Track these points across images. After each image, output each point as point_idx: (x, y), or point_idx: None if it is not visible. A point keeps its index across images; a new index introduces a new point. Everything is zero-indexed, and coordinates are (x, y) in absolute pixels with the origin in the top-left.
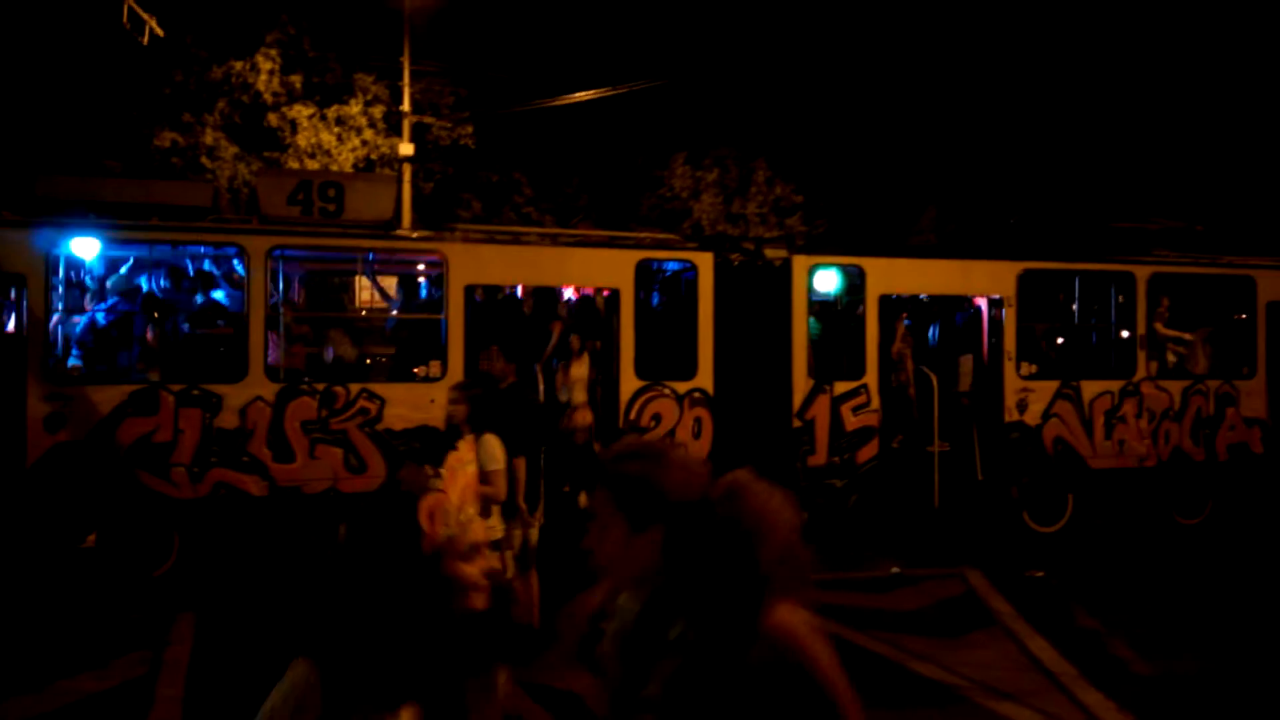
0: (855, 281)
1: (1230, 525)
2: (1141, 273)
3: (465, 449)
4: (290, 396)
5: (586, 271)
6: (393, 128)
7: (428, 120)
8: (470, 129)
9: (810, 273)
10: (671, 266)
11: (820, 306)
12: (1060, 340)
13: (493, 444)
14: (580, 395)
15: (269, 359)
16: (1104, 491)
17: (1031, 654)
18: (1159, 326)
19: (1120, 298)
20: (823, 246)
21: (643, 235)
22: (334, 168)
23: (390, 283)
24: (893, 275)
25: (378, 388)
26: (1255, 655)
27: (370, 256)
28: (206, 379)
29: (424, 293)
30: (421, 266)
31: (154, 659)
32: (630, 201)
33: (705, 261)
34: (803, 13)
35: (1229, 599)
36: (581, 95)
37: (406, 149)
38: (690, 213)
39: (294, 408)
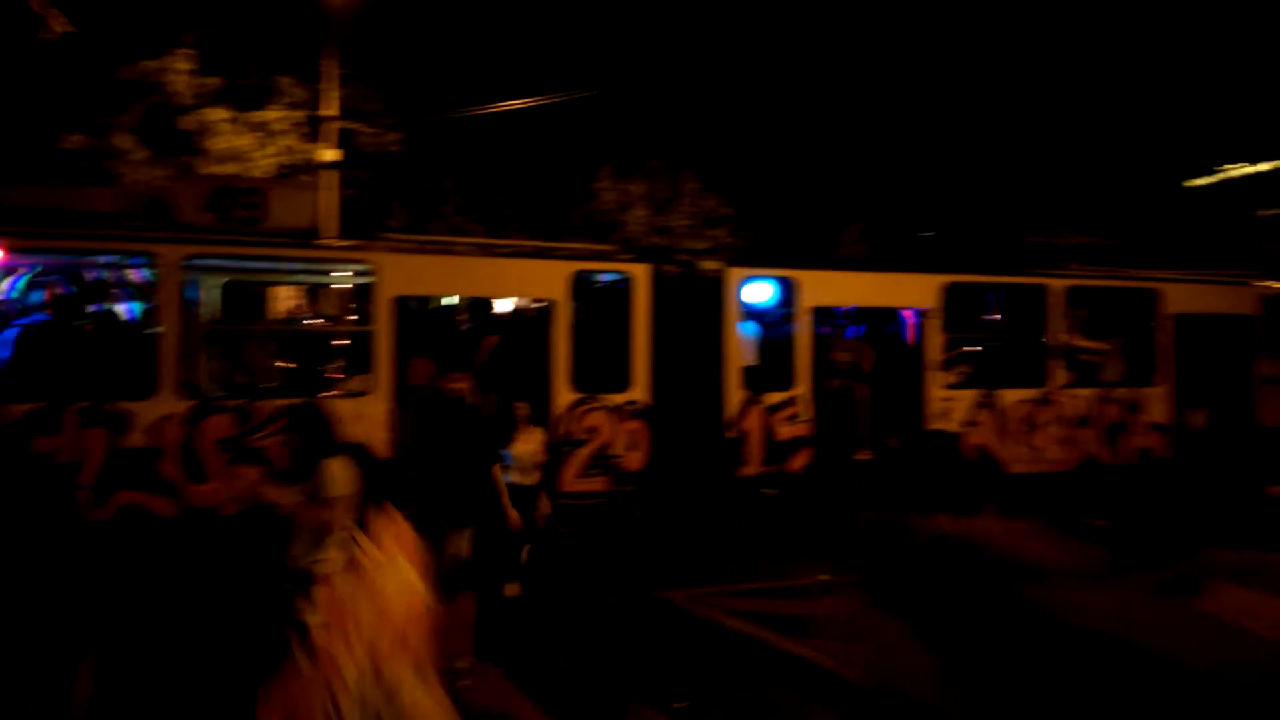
0: (787, 293)
1: (1136, 527)
2: (1055, 285)
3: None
4: (205, 413)
5: (521, 282)
6: (315, 133)
7: (352, 126)
8: (397, 135)
9: (743, 284)
10: (607, 278)
11: (753, 317)
12: (980, 350)
13: (334, 469)
14: (534, 477)
15: (182, 374)
16: (1021, 496)
17: None
18: (1071, 336)
19: (1035, 309)
20: (755, 258)
21: (578, 246)
22: (255, 173)
23: (315, 294)
24: (823, 287)
25: (299, 404)
26: None
27: (294, 266)
28: (113, 396)
29: (352, 304)
30: (349, 277)
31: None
32: (561, 212)
33: (641, 273)
34: (731, 28)
35: (1131, 596)
36: (511, 104)
37: (330, 154)
38: (621, 224)
39: (209, 425)
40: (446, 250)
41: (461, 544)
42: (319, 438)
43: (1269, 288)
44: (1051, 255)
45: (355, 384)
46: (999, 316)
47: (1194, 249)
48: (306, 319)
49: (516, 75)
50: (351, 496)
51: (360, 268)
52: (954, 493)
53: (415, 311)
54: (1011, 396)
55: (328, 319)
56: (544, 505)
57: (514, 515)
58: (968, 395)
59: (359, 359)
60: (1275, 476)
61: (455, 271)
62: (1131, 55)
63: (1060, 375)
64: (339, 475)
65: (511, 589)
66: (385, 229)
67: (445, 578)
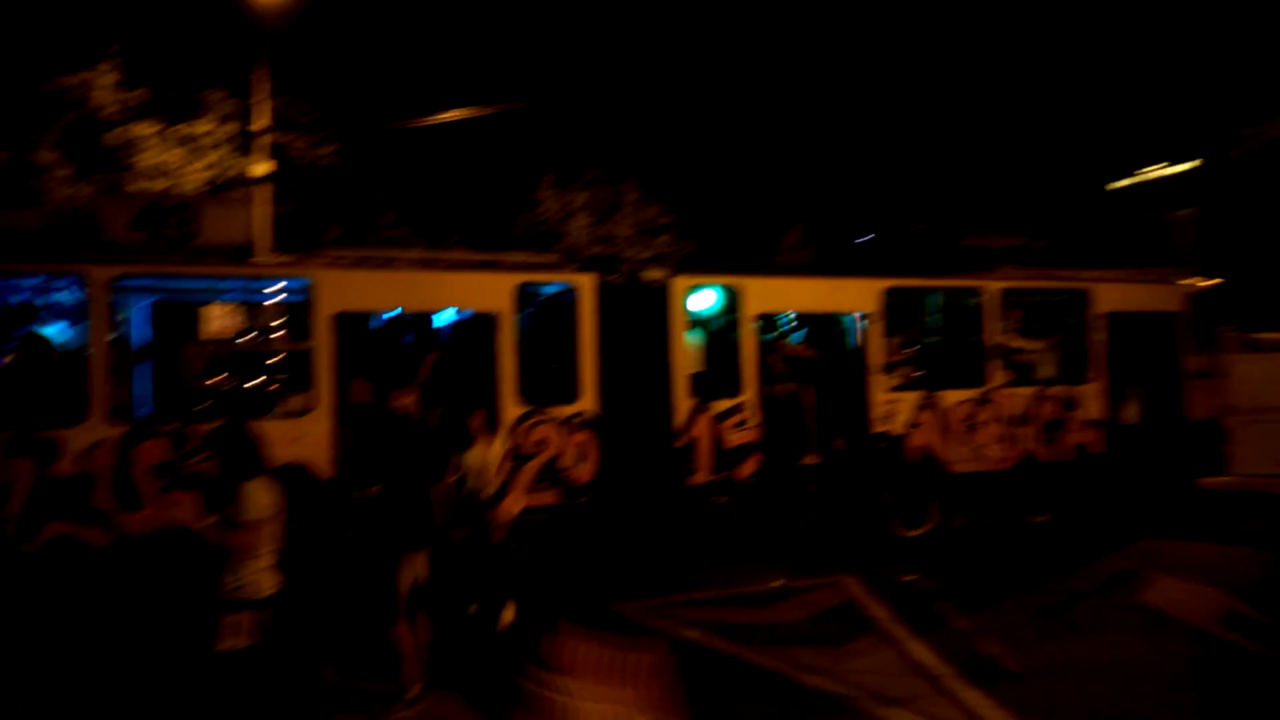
0: (732, 300)
1: (1075, 521)
2: (991, 287)
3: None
4: (138, 438)
5: (465, 295)
6: (246, 147)
7: (285, 138)
8: (331, 147)
9: (689, 293)
10: (552, 289)
11: (699, 325)
12: (922, 352)
13: (253, 492)
14: (496, 484)
15: (113, 398)
16: (964, 495)
17: (911, 658)
18: (1008, 337)
19: (972, 311)
20: (700, 267)
21: (522, 257)
22: (186, 189)
23: (252, 312)
24: (768, 294)
25: None
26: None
27: (227, 283)
28: (42, 423)
29: (290, 321)
30: (285, 294)
31: None
32: (503, 223)
33: (587, 283)
34: (668, 38)
35: (1077, 590)
36: (448, 115)
37: (262, 168)
38: (564, 235)
39: (142, 451)
40: (387, 264)
41: (418, 566)
42: (239, 459)
43: (1192, 286)
44: (986, 258)
45: (295, 403)
46: (938, 319)
47: (1117, 249)
48: (242, 338)
49: (455, 86)
50: (273, 520)
51: (297, 284)
52: (900, 494)
53: (357, 328)
54: (952, 397)
55: (265, 337)
56: (504, 513)
57: (462, 533)
58: (911, 397)
59: (298, 377)
60: (1204, 468)
61: (397, 286)
62: (1055, 62)
63: (998, 375)
64: (259, 498)
65: (474, 608)
66: (321, 244)
67: (402, 602)
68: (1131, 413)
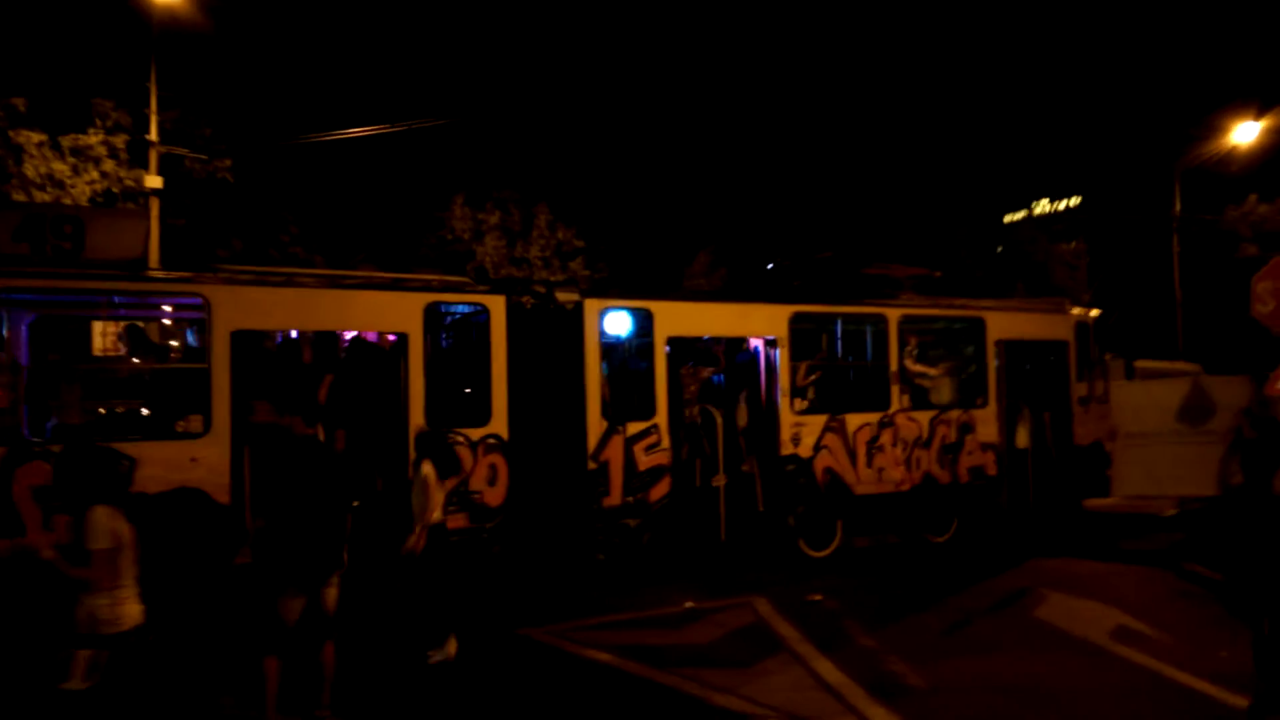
0: (644, 323)
1: (972, 541)
2: (893, 314)
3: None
4: (18, 460)
5: (371, 315)
6: (138, 159)
7: (179, 151)
8: (228, 162)
9: (601, 315)
10: (461, 309)
11: (611, 348)
12: (827, 376)
13: (97, 518)
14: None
15: None
16: (867, 516)
17: (819, 676)
18: (908, 362)
19: (876, 337)
20: (612, 289)
21: (431, 277)
22: (67, 200)
23: (144, 329)
24: (679, 317)
25: (127, 447)
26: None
27: (116, 299)
28: None
29: (184, 340)
30: (176, 311)
31: None
32: (411, 242)
33: (497, 304)
34: (578, 63)
35: (974, 607)
36: (353, 132)
37: (154, 181)
38: (473, 255)
39: (23, 473)
40: (289, 282)
41: (319, 596)
42: (85, 484)
43: (1080, 315)
44: (888, 285)
45: (189, 424)
46: (843, 344)
47: (1010, 279)
48: (134, 356)
49: (362, 102)
50: (125, 550)
51: (192, 301)
52: (807, 516)
53: (256, 347)
54: (856, 421)
55: (158, 356)
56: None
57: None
58: (817, 420)
59: (194, 398)
60: (1090, 490)
61: (299, 304)
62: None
63: (900, 399)
64: (103, 525)
65: (452, 647)
66: (219, 259)
67: (281, 635)
68: (1023, 437)
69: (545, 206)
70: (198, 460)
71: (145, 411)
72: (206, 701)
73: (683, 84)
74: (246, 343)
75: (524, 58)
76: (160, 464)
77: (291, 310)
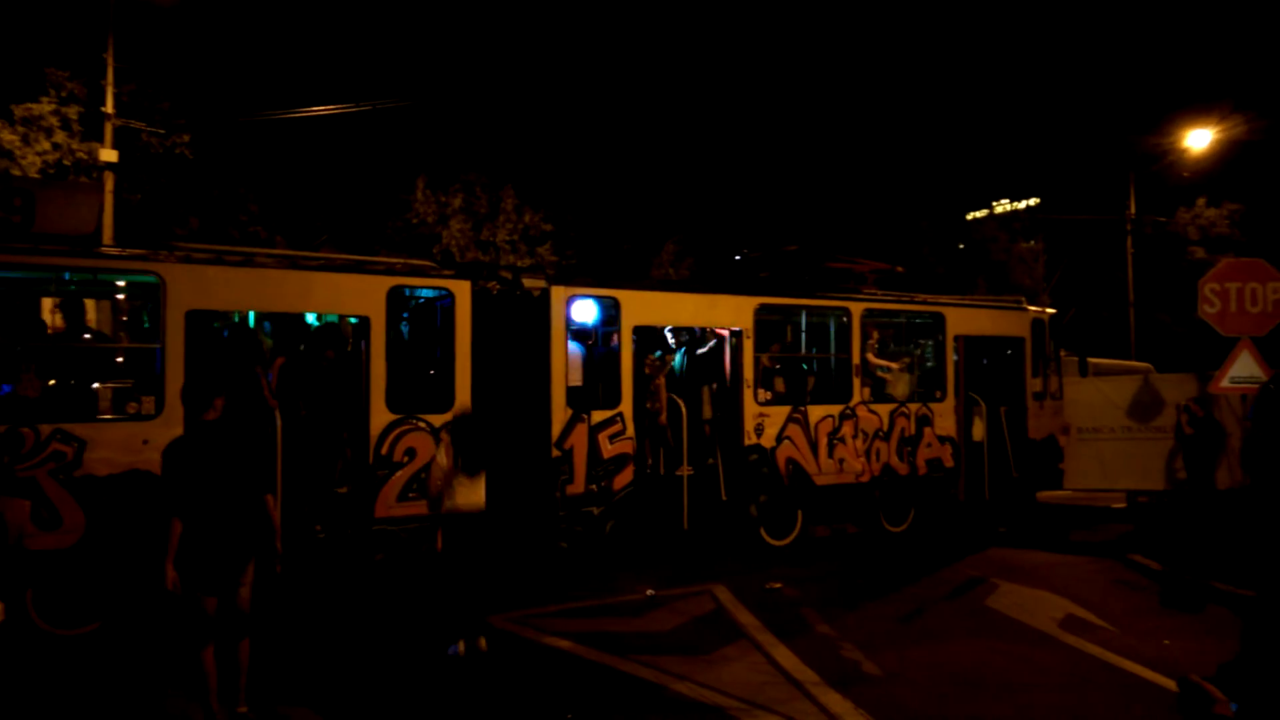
0: (611, 312)
1: (929, 531)
2: (856, 308)
3: None
4: None
5: (332, 298)
6: (92, 132)
7: (136, 125)
8: (187, 138)
9: (568, 303)
10: (426, 294)
11: (577, 336)
12: (791, 368)
13: None
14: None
15: None
16: (828, 506)
17: (777, 664)
18: (870, 356)
19: (839, 330)
20: (579, 277)
21: (395, 260)
22: (16, 172)
23: (96, 307)
24: (646, 307)
25: (76, 428)
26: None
27: (67, 276)
28: None
29: (137, 319)
30: (134, 288)
31: None
32: (375, 225)
33: (462, 290)
34: (549, 48)
35: (930, 596)
36: (316, 110)
37: (109, 155)
38: (439, 238)
39: None
40: (247, 262)
41: (242, 593)
42: None
43: (1039, 313)
44: (852, 279)
45: (142, 406)
46: (807, 336)
47: (968, 277)
48: (86, 335)
49: (324, 81)
50: None
51: (148, 279)
52: (769, 506)
53: (212, 327)
54: (818, 412)
55: (111, 334)
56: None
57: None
58: (780, 411)
59: (147, 378)
60: (1043, 483)
61: (258, 285)
62: (922, 98)
63: (861, 392)
64: None
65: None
66: (175, 236)
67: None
68: (980, 430)
69: (511, 190)
70: (150, 442)
71: (97, 392)
72: (154, 694)
73: (656, 76)
74: (202, 323)
75: (494, 40)
76: (110, 446)
77: (249, 291)
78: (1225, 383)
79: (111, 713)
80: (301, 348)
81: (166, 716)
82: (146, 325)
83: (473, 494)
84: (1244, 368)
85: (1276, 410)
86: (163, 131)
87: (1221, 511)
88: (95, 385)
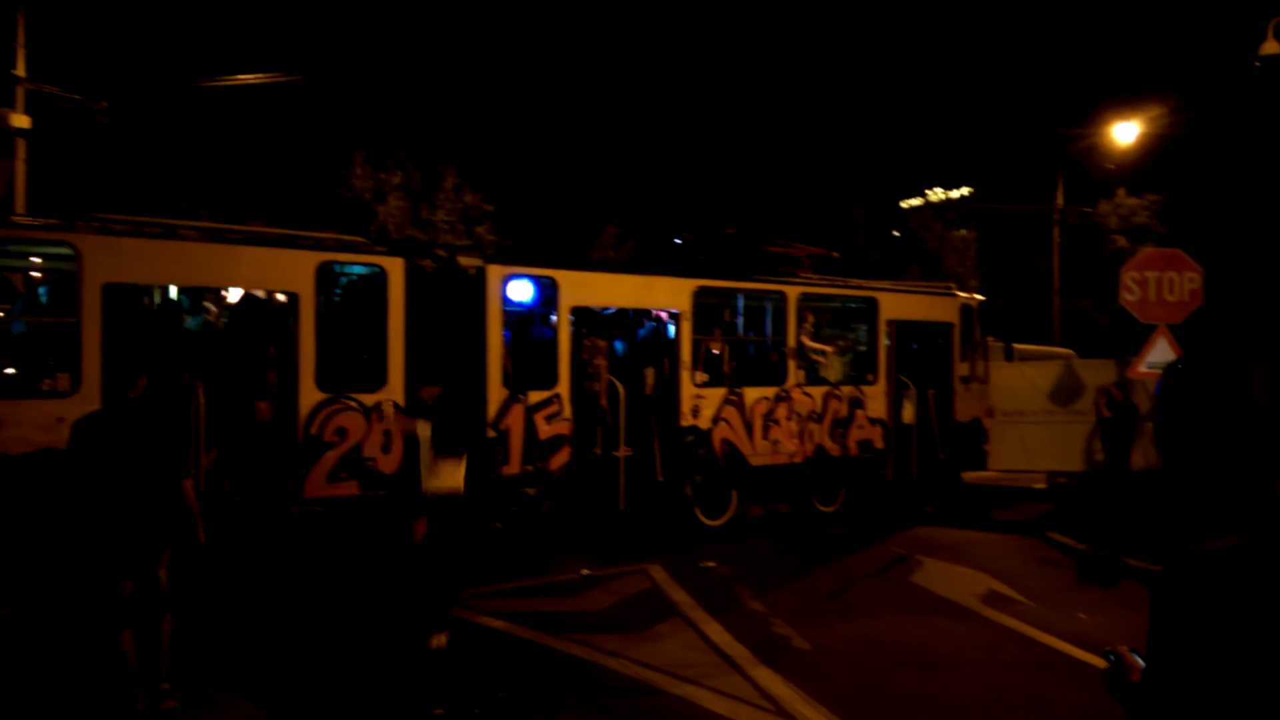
0: (548, 292)
1: (858, 510)
2: (792, 292)
3: None
4: None
5: (259, 273)
6: (2, 97)
7: (49, 90)
8: (105, 104)
9: (504, 282)
10: (358, 270)
11: (514, 316)
12: (727, 350)
13: None
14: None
15: None
16: (761, 486)
17: (709, 639)
18: (805, 339)
19: (775, 313)
20: (516, 257)
21: (324, 236)
22: None
23: (7, 279)
24: (584, 287)
25: None
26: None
27: None
28: None
29: (53, 292)
30: (44, 261)
31: None
32: (308, 200)
33: (395, 267)
34: (493, 28)
35: (858, 573)
36: (248, 78)
37: (21, 120)
38: (375, 215)
39: None
40: (169, 234)
41: (155, 567)
42: None
43: (967, 299)
44: (789, 264)
45: (56, 383)
46: (743, 319)
47: (902, 263)
48: None
49: (256, 48)
50: None
51: (63, 250)
52: (704, 486)
53: (132, 301)
54: (754, 394)
55: (22, 308)
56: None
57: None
58: (716, 393)
59: (63, 355)
60: (969, 464)
61: (180, 258)
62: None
63: (796, 374)
64: None
65: (439, 639)
66: (93, 207)
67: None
68: (909, 412)
69: (452, 170)
70: (66, 420)
71: (8, 368)
72: (72, 677)
73: (596, 59)
74: (120, 297)
75: (439, 19)
76: (23, 425)
77: (171, 264)
78: (1143, 368)
79: (29, 697)
80: (224, 323)
81: (85, 700)
82: (64, 299)
83: (452, 478)
84: (1161, 354)
85: (1185, 388)
86: (78, 97)
87: (1136, 491)
88: (7, 361)
